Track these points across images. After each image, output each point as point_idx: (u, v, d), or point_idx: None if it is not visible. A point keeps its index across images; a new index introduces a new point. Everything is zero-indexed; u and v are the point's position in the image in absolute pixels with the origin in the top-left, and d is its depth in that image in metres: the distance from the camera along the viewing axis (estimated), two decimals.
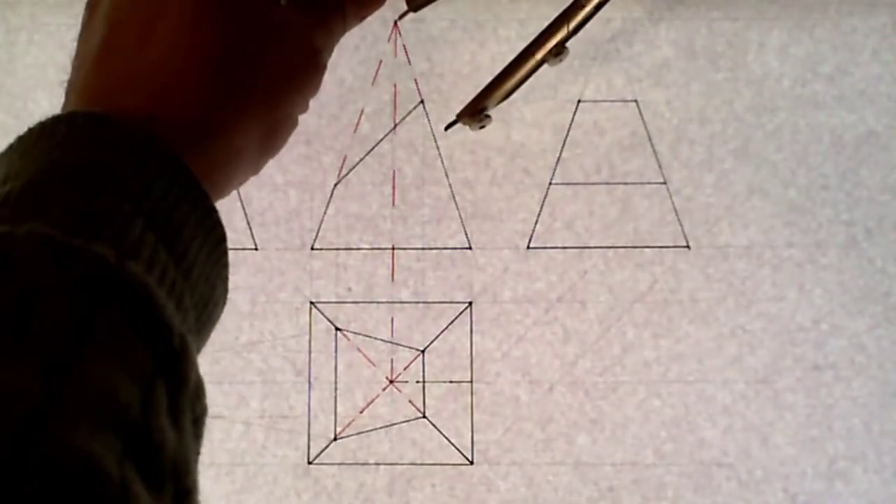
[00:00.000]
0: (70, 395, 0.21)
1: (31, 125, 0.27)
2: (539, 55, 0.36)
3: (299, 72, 0.33)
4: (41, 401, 0.20)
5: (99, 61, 0.29)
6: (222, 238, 0.29)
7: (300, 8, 0.33)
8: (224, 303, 0.30)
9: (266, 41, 0.31)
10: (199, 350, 0.28)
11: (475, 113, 0.38)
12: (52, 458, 0.20)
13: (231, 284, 0.50)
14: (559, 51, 0.36)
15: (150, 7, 0.30)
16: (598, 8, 0.35)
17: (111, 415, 0.22)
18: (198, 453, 0.26)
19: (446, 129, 0.41)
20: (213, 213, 0.28)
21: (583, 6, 0.35)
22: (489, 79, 0.47)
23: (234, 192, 0.36)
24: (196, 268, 0.27)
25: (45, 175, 0.25)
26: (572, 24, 0.35)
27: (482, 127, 0.39)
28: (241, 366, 0.50)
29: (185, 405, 0.25)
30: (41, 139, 0.27)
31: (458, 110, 0.45)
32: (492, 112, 0.41)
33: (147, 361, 0.23)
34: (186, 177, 0.27)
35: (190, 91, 0.29)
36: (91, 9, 0.32)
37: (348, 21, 0.36)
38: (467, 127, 0.39)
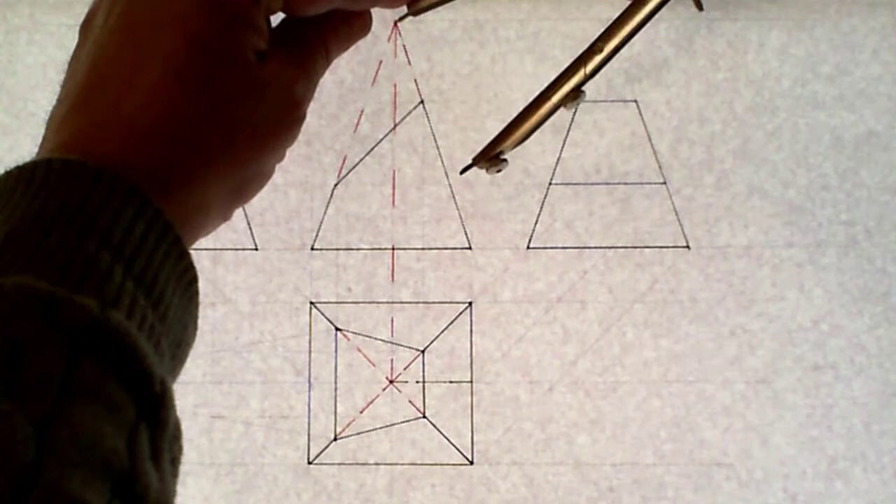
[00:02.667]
0: (61, 445, 0.22)
1: (9, 168, 0.28)
2: (555, 99, 0.36)
3: (275, 129, 0.33)
4: (36, 451, 0.21)
5: (78, 102, 0.30)
6: (194, 279, 0.30)
7: (282, 59, 0.33)
8: (194, 340, 0.31)
9: (243, 102, 0.31)
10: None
11: (492, 157, 0.38)
12: None
13: (231, 284, 0.50)
14: (576, 95, 0.36)
15: (133, 56, 0.30)
16: (614, 52, 0.35)
17: (99, 462, 0.23)
18: (175, 492, 0.27)
19: (462, 172, 0.41)
20: (186, 255, 0.29)
21: (600, 50, 0.35)
22: (489, 79, 0.47)
23: None
24: (171, 310, 0.28)
25: (28, 225, 0.26)
26: (589, 68, 0.35)
27: (499, 171, 0.39)
28: (241, 366, 0.50)
29: (165, 447, 0.26)
30: (19, 185, 0.27)
31: (457, 110, 0.45)
32: (506, 150, 0.41)
33: (131, 408, 0.24)
34: (162, 223, 0.28)
35: (160, 146, 0.29)
36: (83, 33, 0.32)
37: (332, 56, 0.36)
38: (483, 170, 0.39)
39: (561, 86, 0.36)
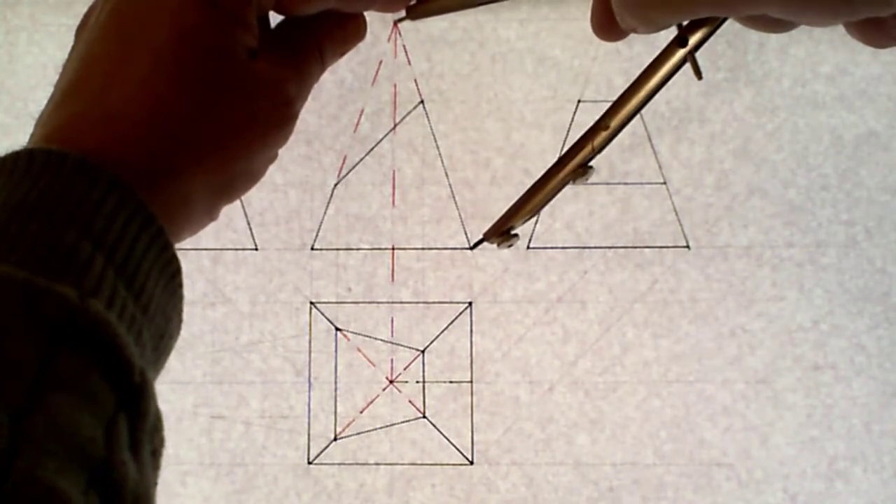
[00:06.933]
0: (36, 433, 0.22)
1: None
2: (563, 175, 0.36)
3: (264, 128, 0.33)
4: (9, 438, 0.21)
5: (65, 96, 0.30)
6: (177, 271, 0.30)
7: (274, 58, 0.33)
8: (178, 334, 0.31)
9: (232, 98, 0.31)
10: (153, 381, 0.29)
11: (502, 232, 0.38)
12: (20, 494, 0.21)
13: (231, 284, 0.50)
14: (584, 171, 0.36)
15: (121, 51, 0.30)
16: (621, 127, 0.36)
17: (75, 450, 0.23)
18: (155, 484, 0.27)
19: (472, 247, 0.42)
20: (169, 246, 0.29)
21: (606, 127, 0.36)
22: (489, 79, 0.47)
23: None
24: (153, 302, 0.28)
25: (8, 214, 0.26)
26: (596, 143, 0.35)
27: (510, 245, 0.39)
28: (241, 366, 0.50)
29: (145, 438, 0.26)
30: (0, 175, 0.27)
31: (457, 110, 0.45)
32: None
33: (109, 397, 0.24)
34: (144, 213, 0.28)
35: (145, 139, 0.29)
36: (78, 35, 0.32)
37: (327, 60, 0.36)
38: (494, 245, 0.39)
39: (569, 161, 0.36)
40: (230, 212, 0.51)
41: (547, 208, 0.38)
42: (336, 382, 0.50)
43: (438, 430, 0.49)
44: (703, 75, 0.35)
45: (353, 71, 0.52)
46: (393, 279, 0.50)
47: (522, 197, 0.38)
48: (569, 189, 0.37)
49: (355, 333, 0.50)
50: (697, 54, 0.34)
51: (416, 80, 0.52)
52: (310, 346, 0.50)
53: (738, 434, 0.49)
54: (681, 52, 0.34)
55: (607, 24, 0.33)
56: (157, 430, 0.27)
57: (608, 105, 0.36)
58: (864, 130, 0.51)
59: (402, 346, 0.50)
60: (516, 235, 0.39)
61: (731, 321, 0.49)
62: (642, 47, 0.51)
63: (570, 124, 0.51)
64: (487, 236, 0.39)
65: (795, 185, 0.50)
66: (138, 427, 0.25)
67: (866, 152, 0.51)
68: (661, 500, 0.48)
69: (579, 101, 0.51)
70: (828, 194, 0.50)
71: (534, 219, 0.50)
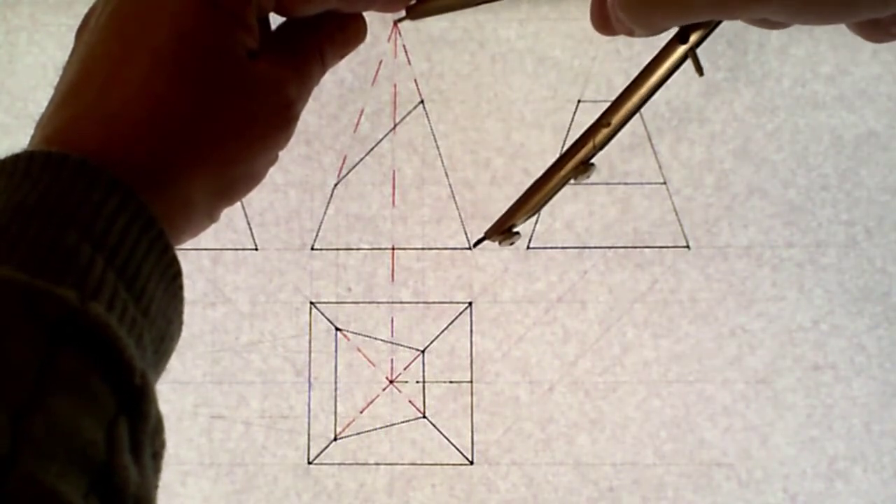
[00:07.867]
0: (37, 436, 0.22)
1: None
2: (565, 172, 0.36)
3: (265, 129, 0.33)
4: (11, 442, 0.21)
5: (65, 98, 0.30)
6: (178, 273, 0.30)
7: (275, 59, 0.33)
8: (179, 336, 0.31)
9: (232, 99, 0.31)
10: (154, 383, 0.29)
11: (504, 230, 0.39)
12: (21, 496, 0.21)
13: (231, 284, 0.50)
14: (586, 168, 0.36)
15: (121, 52, 0.30)
16: (623, 124, 0.36)
17: (76, 453, 0.23)
18: (156, 487, 0.27)
19: (475, 245, 0.42)
20: (170, 248, 0.29)
21: (608, 124, 0.36)
22: (489, 79, 0.46)
23: None
24: (154, 304, 0.28)
25: (8, 216, 0.26)
26: (598, 140, 0.36)
27: (511, 243, 0.40)
28: (241, 366, 0.50)
29: (146, 441, 0.25)
30: (0, 177, 0.27)
31: (457, 110, 0.45)
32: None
33: (110, 400, 0.24)
34: (145, 216, 0.28)
35: (146, 140, 0.29)
36: (78, 37, 0.32)
37: (328, 62, 0.36)
38: (496, 243, 0.40)
39: (570, 159, 0.36)
40: (230, 212, 0.50)
41: (547, 208, 0.38)
42: (336, 382, 0.50)
43: (438, 430, 0.49)
44: (704, 75, 0.35)
45: (353, 71, 0.52)
46: (393, 279, 0.50)
47: (524, 195, 0.38)
48: (569, 189, 0.37)
49: (355, 333, 0.50)
50: (698, 51, 0.34)
51: (416, 80, 0.52)
52: (310, 346, 0.50)
53: (738, 434, 0.49)
54: (682, 49, 0.34)
55: (607, 21, 0.33)
56: (158, 433, 0.27)
57: (608, 103, 0.36)
58: (864, 130, 0.51)
59: (402, 346, 0.50)
60: (518, 233, 0.39)
61: (731, 321, 0.49)
62: (642, 47, 0.51)
63: (570, 124, 0.51)
64: (489, 234, 0.39)
65: (795, 185, 0.50)
66: (139, 430, 0.25)
67: (866, 152, 0.51)
68: (661, 500, 0.48)
69: (579, 101, 0.51)
70: (828, 194, 0.50)
71: (534, 219, 0.50)
